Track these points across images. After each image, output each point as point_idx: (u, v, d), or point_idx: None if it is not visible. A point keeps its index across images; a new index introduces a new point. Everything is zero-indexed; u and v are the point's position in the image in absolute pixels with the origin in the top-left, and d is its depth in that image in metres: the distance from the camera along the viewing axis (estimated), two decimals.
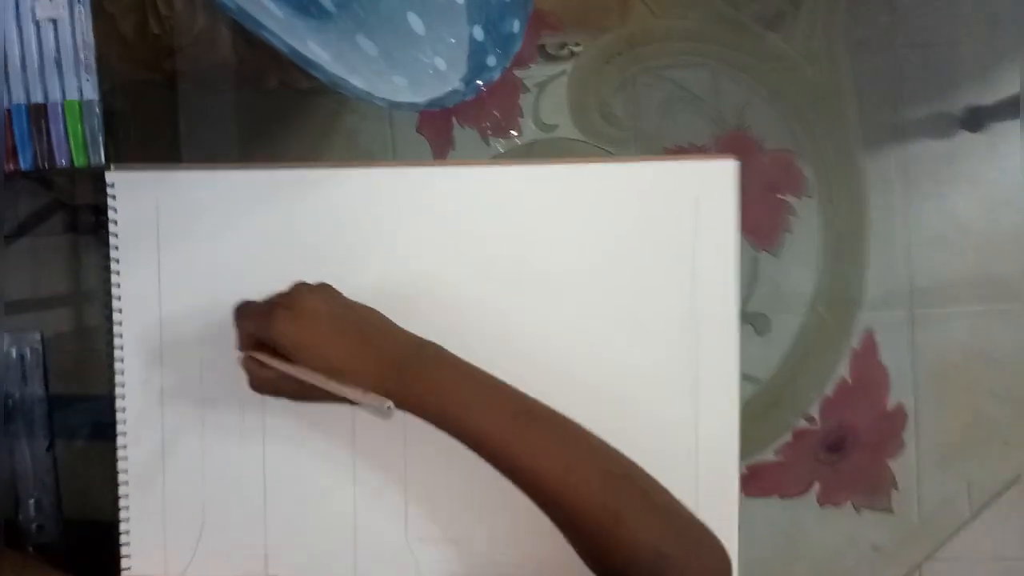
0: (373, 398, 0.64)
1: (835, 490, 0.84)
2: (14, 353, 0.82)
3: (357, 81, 0.67)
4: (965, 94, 0.82)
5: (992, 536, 0.84)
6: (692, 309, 0.78)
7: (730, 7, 0.81)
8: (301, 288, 0.71)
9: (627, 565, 0.65)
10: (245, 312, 0.72)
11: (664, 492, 0.68)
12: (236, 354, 0.71)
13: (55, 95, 0.76)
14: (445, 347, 0.70)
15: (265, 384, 0.70)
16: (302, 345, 0.67)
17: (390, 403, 0.63)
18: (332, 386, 0.65)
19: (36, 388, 0.82)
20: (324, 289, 0.72)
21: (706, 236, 0.78)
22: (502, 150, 0.82)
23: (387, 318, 0.72)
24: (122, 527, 0.80)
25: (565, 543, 0.68)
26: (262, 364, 0.69)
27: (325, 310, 0.69)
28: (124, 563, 0.80)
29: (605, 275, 0.78)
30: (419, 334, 0.73)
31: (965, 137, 0.81)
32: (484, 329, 0.78)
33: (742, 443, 0.79)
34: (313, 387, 0.66)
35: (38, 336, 0.82)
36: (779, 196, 0.82)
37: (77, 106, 0.77)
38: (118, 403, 0.79)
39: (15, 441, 0.82)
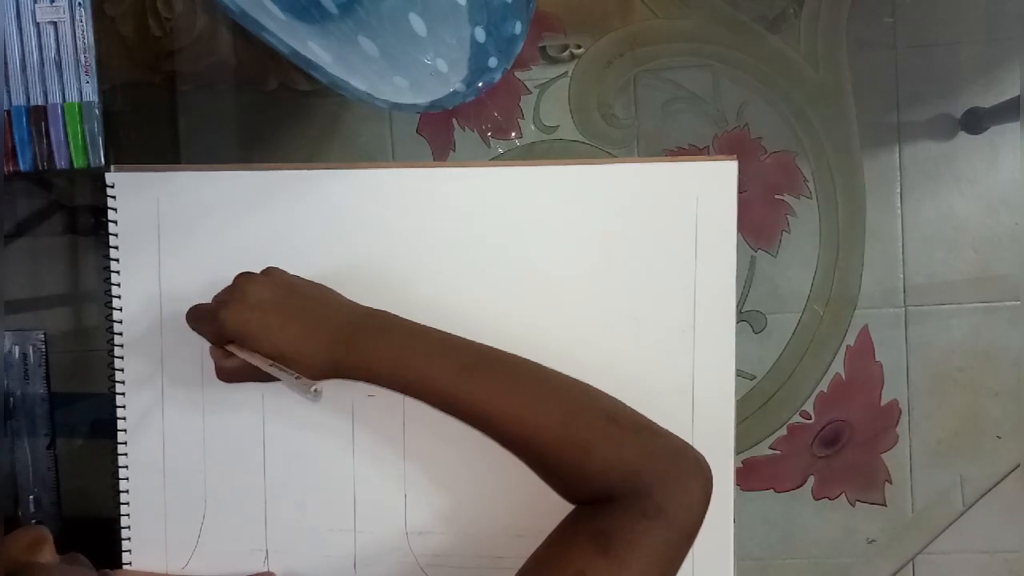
0: (302, 383, 0.65)
1: (830, 484, 0.84)
2: (17, 352, 0.82)
3: (358, 82, 0.67)
4: (965, 96, 0.81)
5: (985, 529, 0.85)
6: (691, 307, 0.78)
7: (731, 7, 0.81)
8: (243, 279, 0.72)
9: (602, 490, 0.65)
10: (195, 315, 0.74)
11: (632, 413, 0.69)
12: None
13: (55, 97, 0.76)
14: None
15: (228, 373, 0.72)
16: (250, 333, 0.69)
17: (316, 386, 0.65)
18: (273, 371, 0.67)
19: (38, 386, 0.82)
20: (268, 274, 0.74)
21: (706, 235, 0.78)
22: (502, 151, 0.82)
23: (335, 292, 0.75)
24: (123, 523, 0.80)
25: None
26: (227, 354, 0.71)
27: (269, 295, 0.70)
28: (125, 558, 0.81)
29: (605, 275, 0.79)
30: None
31: (964, 139, 0.82)
32: (484, 329, 0.78)
33: (738, 438, 0.79)
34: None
35: (41, 335, 0.82)
36: (778, 196, 0.82)
37: (77, 108, 0.76)
38: (118, 401, 0.79)
39: (16, 439, 0.82)
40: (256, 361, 0.68)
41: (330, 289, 0.75)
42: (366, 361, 0.69)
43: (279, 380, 0.69)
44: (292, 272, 0.76)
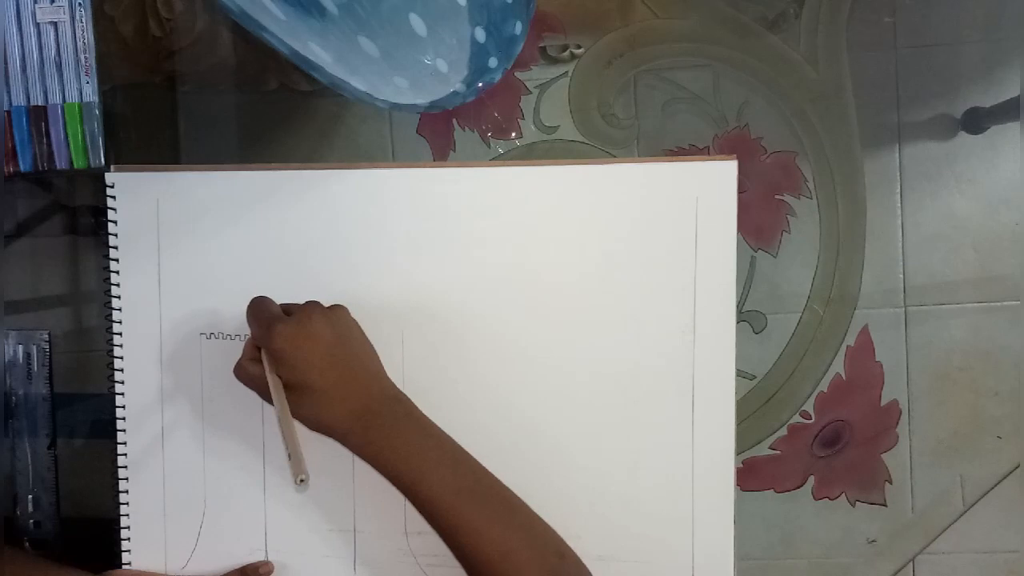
0: (296, 463, 0.66)
1: (830, 484, 0.84)
2: (21, 352, 0.82)
3: (358, 83, 0.67)
4: (965, 95, 0.82)
5: (985, 529, 0.85)
6: (691, 307, 0.78)
7: (731, 7, 0.81)
8: (313, 307, 0.72)
9: None
10: (255, 310, 0.72)
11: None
12: (236, 349, 0.72)
13: (55, 97, 0.76)
14: (419, 397, 0.72)
15: (245, 374, 0.72)
16: (288, 358, 0.68)
17: (304, 477, 0.65)
18: (282, 421, 0.68)
19: (41, 386, 0.82)
20: (335, 312, 0.73)
21: (706, 236, 0.78)
22: (502, 151, 0.82)
23: (377, 359, 0.75)
24: (122, 523, 0.80)
25: (562, 538, 0.69)
26: (257, 356, 0.71)
27: (327, 336, 0.70)
28: (124, 559, 0.80)
29: (605, 275, 0.79)
30: (419, 336, 0.73)
31: (964, 139, 0.82)
32: (484, 328, 0.78)
33: (738, 438, 0.79)
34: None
35: (46, 335, 0.82)
36: (778, 196, 0.82)
37: (77, 108, 0.76)
38: (118, 401, 0.79)
39: (17, 439, 0.82)
40: (275, 393, 0.68)
41: (374, 353, 0.75)
42: (375, 445, 0.69)
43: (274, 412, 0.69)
44: (290, 272, 0.77)
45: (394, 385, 0.73)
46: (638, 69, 0.82)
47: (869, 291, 0.83)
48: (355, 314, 0.75)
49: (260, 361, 0.70)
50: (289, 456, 0.66)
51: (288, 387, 0.69)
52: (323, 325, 0.70)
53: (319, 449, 0.79)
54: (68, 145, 0.77)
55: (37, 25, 0.75)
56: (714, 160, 0.78)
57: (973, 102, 0.82)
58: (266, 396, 0.70)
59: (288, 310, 0.72)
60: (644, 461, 0.79)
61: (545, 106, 0.82)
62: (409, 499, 0.69)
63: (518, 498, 0.70)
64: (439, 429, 0.71)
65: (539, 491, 0.75)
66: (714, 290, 0.78)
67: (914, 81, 0.81)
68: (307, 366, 0.68)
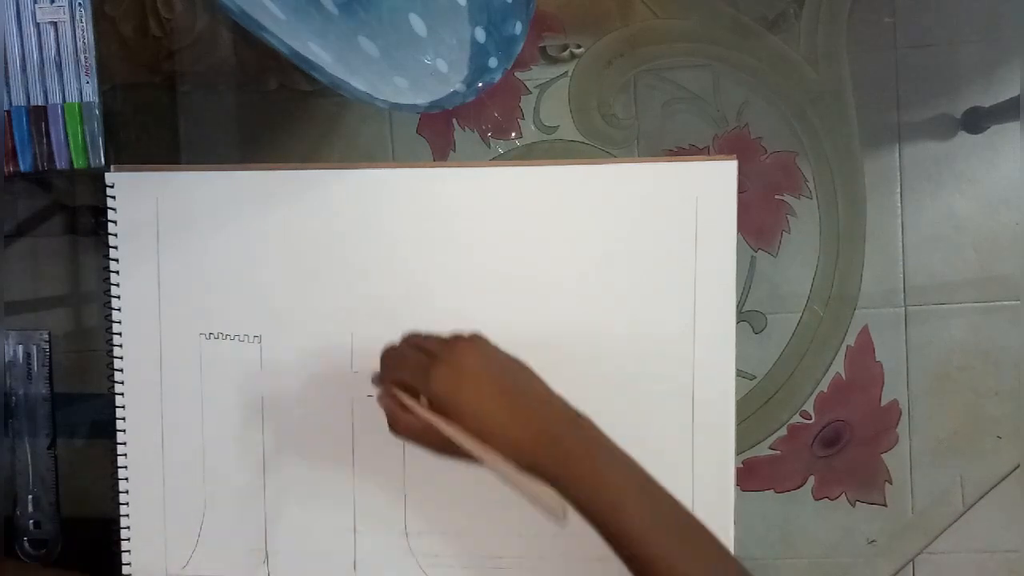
0: (548, 497, 0.59)
1: (830, 484, 0.84)
2: (21, 352, 0.82)
3: (358, 83, 0.67)
4: (965, 95, 0.81)
5: (985, 529, 0.85)
6: (691, 307, 0.78)
7: (731, 7, 0.81)
8: (459, 342, 0.65)
9: None
10: (395, 360, 0.67)
11: None
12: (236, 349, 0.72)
13: (55, 97, 0.76)
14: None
15: (408, 430, 0.64)
16: (461, 407, 0.62)
17: (565, 509, 0.59)
18: (498, 466, 0.61)
19: (41, 386, 0.82)
20: (479, 343, 0.66)
21: (706, 236, 0.78)
22: (502, 151, 0.82)
23: (539, 377, 0.67)
24: (122, 524, 0.80)
25: (562, 537, 0.68)
26: (405, 408, 0.64)
27: (484, 368, 0.64)
28: (124, 559, 0.81)
29: (605, 275, 0.79)
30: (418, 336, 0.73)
31: (965, 138, 0.82)
32: (483, 328, 0.78)
33: (738, 438, 0.79)
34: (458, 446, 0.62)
35: (46, 335, 0.82)
36: (778, 196, 0.82)
37: (77, 108, 0.76)
38: (118, 401, 0.79)
39: (17, 439, 0.82)
40: (466, 442, 0.61)
41: (533, 372, 0.67)
42: (568, 475, 0.61)
43: (463, 459, 0.62)
44: (290, 272, 0.76)
45: (565, 404, 0.65)
46: (638, 69, 0.81)
47: (869, 291, 0.83)
48: (355, 314, 0.75)
49: (413, 414, 0.63)
50: (535, 498, 0.59)
51: (470, 432, 0.62)
52: (475, 357, 0.64)
53: (320, 450, 0.80)
54: (68, 145, 0.77)
55: (37, 25, 0.75)
56: (714, 160, 0.78)
57: (973, 102, 0.81)
58: (442, 449, 0.63)
59: (422, 346, 0.66)
60: (644, 461, 0.79)
61: (545, 106, 0.82)
62: (601, 532, 0.61)
63: (707, 527, 0.63)
64: (623, 451, 0.64)
65: None
66: (714, 290, 0.78)
67: (914, 81, 0.81)
68: (477, 406, 0.62)
